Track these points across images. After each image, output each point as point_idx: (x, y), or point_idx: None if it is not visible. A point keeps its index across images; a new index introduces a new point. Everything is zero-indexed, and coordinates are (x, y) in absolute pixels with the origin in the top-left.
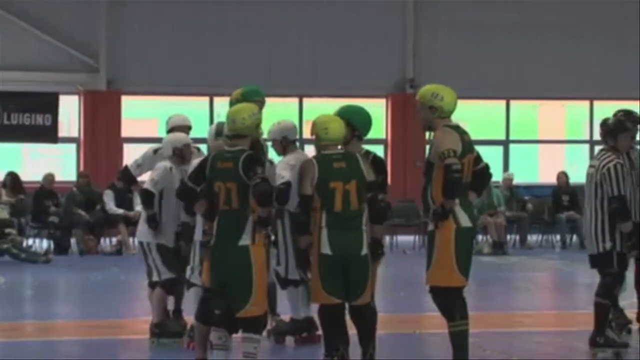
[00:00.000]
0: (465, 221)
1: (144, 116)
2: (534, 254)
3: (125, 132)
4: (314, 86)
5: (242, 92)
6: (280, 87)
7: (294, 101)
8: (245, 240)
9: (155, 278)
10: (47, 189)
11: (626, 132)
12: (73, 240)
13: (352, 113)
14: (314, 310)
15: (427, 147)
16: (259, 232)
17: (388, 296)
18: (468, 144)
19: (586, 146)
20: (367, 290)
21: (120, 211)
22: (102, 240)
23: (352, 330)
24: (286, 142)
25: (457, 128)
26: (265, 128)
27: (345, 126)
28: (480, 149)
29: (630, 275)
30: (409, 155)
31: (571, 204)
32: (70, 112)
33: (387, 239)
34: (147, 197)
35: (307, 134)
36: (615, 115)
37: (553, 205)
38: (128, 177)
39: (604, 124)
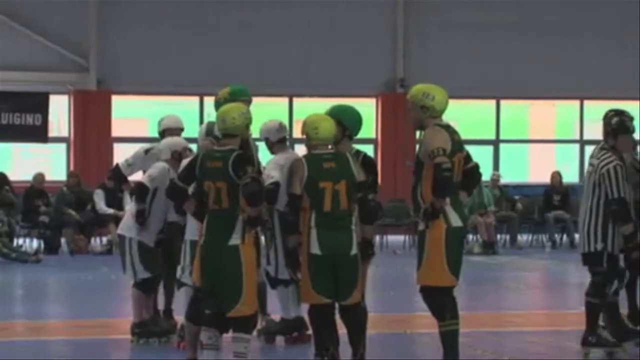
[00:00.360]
0: (455, 221)
1: (134, 116)
2: (524, 253)
3: (115, 131)
4: (304, 86)
5: (229, 91)
6: (270, 87)
7: (284, 101)
8: (235, 240)
9: (130, 277)
10: (37, 188)
11: (627, 134)
12: (63, 240)
13: (342, 112)
14: (304, 310)
15: (418, 146)
16: (249, 232)
17: (378, 296)
18: (458, 143)
19: (576, 146)
20: (356, 290)
21: (111, 211)
22: (92, 240)
23: (342, 330)
24: (270, 143)
25: (447, 127)
26: (256, 128)
27: (335, 126)
28: (470, 149)
29: None
30: (399, 155)
31: (562, 203)
32: (60, 112)
33: (377, 238)
34: (141, 191)
35: (297, 133)
36: (606, 114)
37: (544, 205)
38: (119, 176)
39: (609, 123)
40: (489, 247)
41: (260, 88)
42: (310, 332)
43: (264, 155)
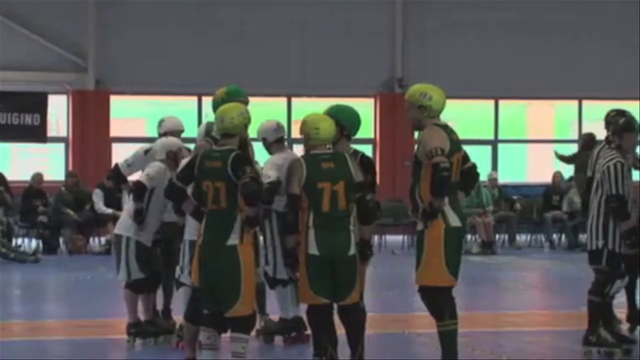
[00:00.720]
0: (454, 221)
1: (132, 116)
2: (522, 253)
3: (113, 131)
4: (302, 86)
5: (225, 92)
6: (269, 87)
7: (283, 101)
8: (233, 240)
9: (123, 277)
10: (36, 188)
11: (633, 132)
12: (62, 240)
13: (340, 112)
14: (302, 310)
15: (416, 146)
16: (248, 232)
17: (377, 296)
18: (456, 143)
19: (575, 146)
20: (355, 290)
21: (109, 211)
22: (91, 239)
23: (341, 330)
24: (267, 143)
25: (445, 127)
26: (254, 128)
27: (334, 126)
28: (469, 149)
29: None
30: (397, 155)
31: (561, 203)
32: (58, 112)
33: (375, 238)
34: (139, 190)
35: (295, 133)
36: (608, 115)
37: (543, 205)
38: (118, 176)
39: (615, 122)
40: (487, 247)
41: (259, 88)
42: (308, 332)
43: (261, 155)
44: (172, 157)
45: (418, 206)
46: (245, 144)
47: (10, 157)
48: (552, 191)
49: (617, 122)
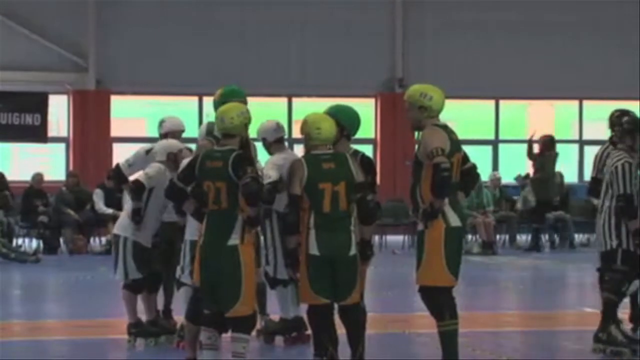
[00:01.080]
0: (454, 221)
1: (133, 116)
2: (523, 253)
3: (114, 131)
4: (302, 86)
5: (222, 92)
6: (269, 87)
7: (283, 101)
8: (234, 240)
9: (120, 277)
10: (37, 188)
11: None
12: (62, 240)
13: (340, 112)
14: (303, 310)
15: (417, 146)
16: (248, 232)
17: (377, 296)
18: (456, 143)
19: (575, 146)
20: (355, 290)
21: (110, 211)
22: (91, 239)
23: (341, 330)
24: (266, 143)
25: (445, 127)
26: (254, 128)
27: (335, 126)
28: (469, 149)
29: None
30: (398, 155)
31: (561, 204)
32: (59, 112)
33: (376, 238)
34: (138, 189)
35: (296, 133)
36: (612, 114)
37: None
38: (119, 176)
39: (627, 122)
40: (488, 247)
41: (259, 88)
42: (309, 332)
43: (262, 155)
44: (172, 159)
45: (419, 206)
46: (246, 144)
47: (11, 157)
48: None
49: (631, 122)
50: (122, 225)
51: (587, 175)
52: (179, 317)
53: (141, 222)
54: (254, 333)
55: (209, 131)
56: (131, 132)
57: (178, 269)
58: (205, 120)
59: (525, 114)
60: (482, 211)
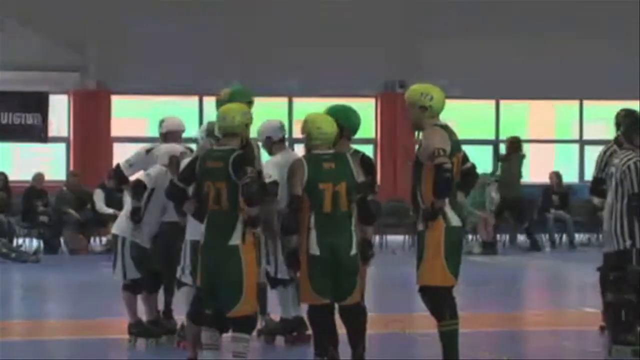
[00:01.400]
0: (455, 221)
1: (133, 115)
2: (523, 253)
3: (114, 131)
4: (303, 86)
5: (230, 92)
6: (270, 87)
7: (284, 101)
8: (235, 240)
9: (119, 277)
10: (37, 188)
11: None
12: (63, 240)
13: (340, 112)
14: (303, 310)
15: (417, 147)
16: (249, 232)
17: (378, 296)
18: (456, 143)
19: (576, 146)
20: (356, 290)
21: (110, 211)
22: (92, 239)
23: (342, 330)
24: (270, 142)
25: (445, 127)
26: (254, 128)
27: (336, 125)
28: (470, 149)
29: None
30: (399, 155)
31: (562, 203)
32: (59, 112)
33: (376, 238)
34: (138, 188)
35: (296, 133)
36: (618, 114)
37: (542, 205)
38: (120, 176)
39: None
40: (488, 247)
41: (260, 88)
42: (309, 332)
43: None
44: (174, 162)
45: (419, 206)
46: (246, 144)
47: (12, 157)
48: (551, 191)
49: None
50: (120, 226)
51: (588, 176)
52: (179, 317)
53: (140, 221)
54: (254, 333)
55: (210, 131)
56: (131, 132)
57: (178, 269)
58: (205, 120)
59: (526, 114)
60: (484, 210)
